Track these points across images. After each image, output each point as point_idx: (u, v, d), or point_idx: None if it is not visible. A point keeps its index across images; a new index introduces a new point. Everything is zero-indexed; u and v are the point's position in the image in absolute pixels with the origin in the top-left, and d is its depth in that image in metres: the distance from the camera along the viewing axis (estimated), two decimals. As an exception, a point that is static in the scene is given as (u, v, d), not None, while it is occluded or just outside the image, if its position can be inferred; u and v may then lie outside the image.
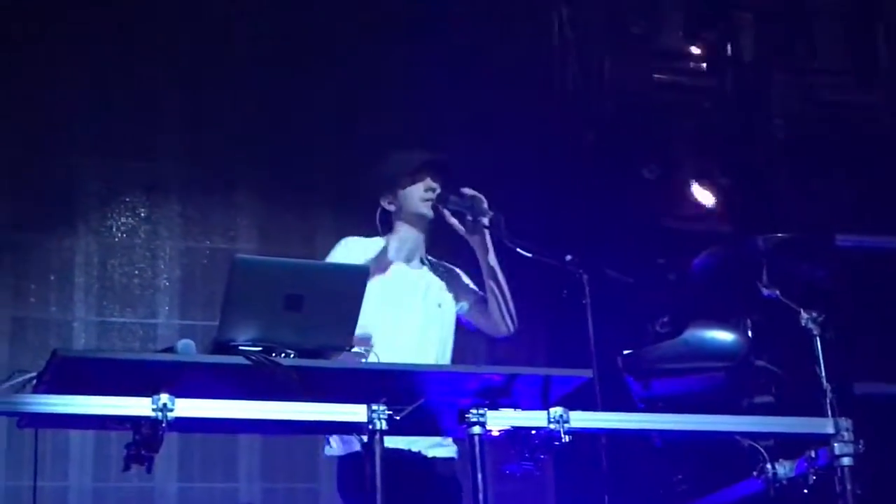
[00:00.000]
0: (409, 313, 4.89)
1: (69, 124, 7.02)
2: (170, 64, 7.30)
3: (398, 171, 4.99)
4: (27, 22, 7.00)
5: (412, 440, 4.64)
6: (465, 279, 5.11)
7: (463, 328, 5.06)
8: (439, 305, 4.98)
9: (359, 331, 4.40)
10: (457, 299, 5.04)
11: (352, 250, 4.87)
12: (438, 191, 4.94)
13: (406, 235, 5.00)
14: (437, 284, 5.02)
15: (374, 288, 4.70)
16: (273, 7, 7.48)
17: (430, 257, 5.08)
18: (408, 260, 5.00)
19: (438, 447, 4.78)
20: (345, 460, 4.70)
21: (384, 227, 5.03)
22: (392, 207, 5.01)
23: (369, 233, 5.00)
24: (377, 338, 4.67)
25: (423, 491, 4.68)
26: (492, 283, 4.93)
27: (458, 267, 5.15)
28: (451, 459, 4.84)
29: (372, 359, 4.25)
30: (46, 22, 7.05)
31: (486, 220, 4.86)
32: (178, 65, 7.32)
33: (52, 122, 6.97)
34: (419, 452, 4.71)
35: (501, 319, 4.95)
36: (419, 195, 4.96)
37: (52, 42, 7.05)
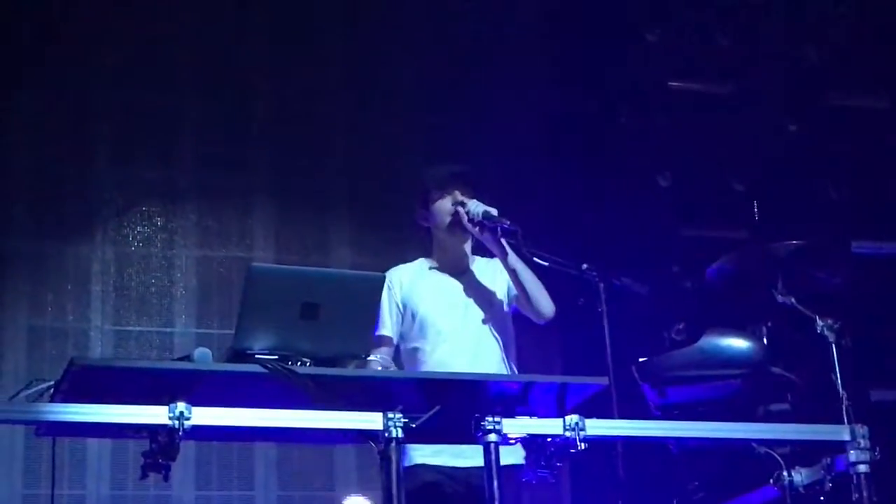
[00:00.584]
0: (458, 323, 4.95)
1: (86, 133, 7.04)
2: (188, 73, 7.33)
3: (428, 186, 5.07)
4: (42, 30, 7.04)
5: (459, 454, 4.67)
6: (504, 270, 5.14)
7: (519, 315, 5.12)
8: (491, 304, 5.02)
9: (412, 343, 4.51)
10: (507, 292, 5.09)
11: (400, 278, 5.02)
12: (467, 202, 5.00)
13: (445, 247, 5.08)
14: (483, 287, 5.07)
15: (424, 301, 4.79)
16: (290, 15, 7.50)
17: (477, 257, 5.14)
18: (452, 270, 5.07)
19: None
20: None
21: (430, 243, 5.13)
22: (426, 223, 5.09)
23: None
24: (429, 350, 4.74)
25: None
26: (517, 281, 4.97)
27: None
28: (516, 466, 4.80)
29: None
30: (62, 30, 7.08)
31: (501, 230, 4.89)
32: (197, 74, 7.34)
33: (69, 131, 6.99)
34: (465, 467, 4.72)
35: (533, 310, 5.00)
36: (447, 209, 5.02)
37: (69, 51, 7.08)
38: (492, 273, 5.12)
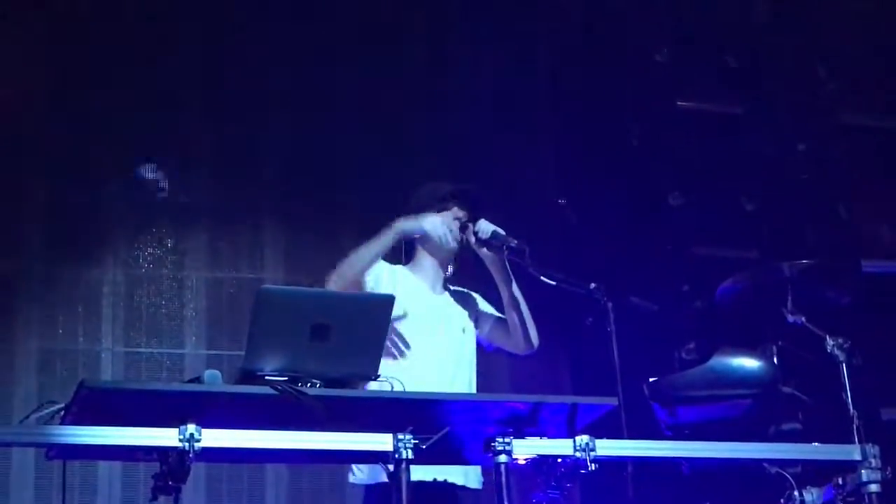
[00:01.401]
0: (437, 340, 4.92)
1: (96, 156, 7.06)
2: (198, 97, 7.35)
3: (426, 201, 5.04)
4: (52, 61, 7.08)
5: (441, 471, 4.65)
6: (483, 302, 5.15)
7: (482, 348, 5.09)
8: (463, 331, 5.01)
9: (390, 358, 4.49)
10: (476, 323, 5.08)
11: (381, 275, 4.94)
12: (464, 220, 4.99)
13: (430, 263, 5.04)
14: (459, 310, 5.05)
15: (402, 316, 4.77)
16: (307, 33, 7.52)
17: (449, 285, 5.11)
18: (430, 286, 5.04)
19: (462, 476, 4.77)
20: (373, 489, 4.70)
21: (408, 255, 5.08)
22: (416, 235, 5.05)
23: (391, 261, 5.04)
24: (406, 366, 4.72)
25: None
26: (513, 313, 4.96)
27: (474, 291, 5.18)
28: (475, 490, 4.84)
29: (398, 388, 4.25)
30: (69, 56, 7.12)
31: (509, 249, 4.89)
32: (207, 97, 7.36)
33: (79, 155, 7.01)
34: (446, 481, 4.71)
35: (522, 342, 5.00)
36: (446, 223, 5.00)
37: (77, 74, 7.11)
38: (465, 300, 5.11)
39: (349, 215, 7.45)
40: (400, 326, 4.87)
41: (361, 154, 7.53)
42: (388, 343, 4.79)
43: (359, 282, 4.88)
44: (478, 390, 4.96)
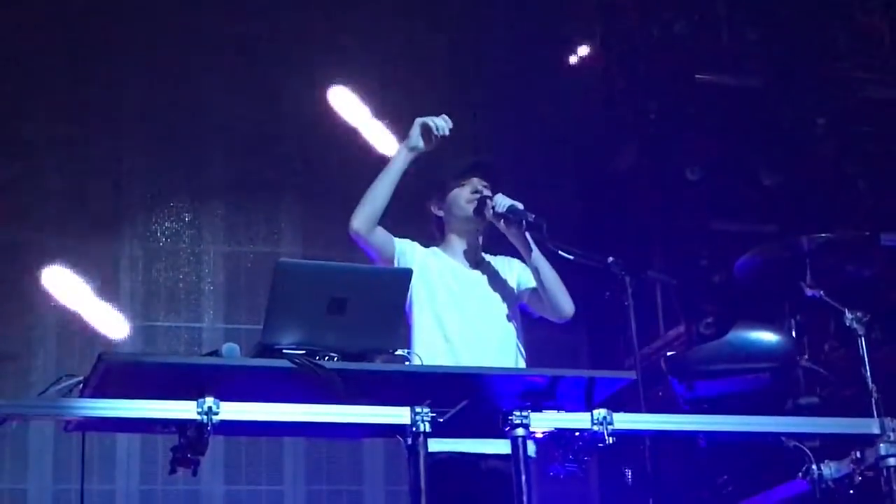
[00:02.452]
0: (475, 316, 4.90)
1: (114, 130, 7.07)
2: (214, 72, 7.35)
3: (446, 175, 5.03)
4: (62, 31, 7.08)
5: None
6: (522, 269, 5.10)
7: (528, 315, 5.06)
8: (503, 300, 4.99)
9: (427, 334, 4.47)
10: (518, 291, 5.05)
11: (415, 247, 4.92)
12: (485, 192, 4.97)
13: (459, 238, 5.03)
14: (497, 282, 5.03)
15: (439, 293, 4.77)
16: (315, 13, 7.51)
17: (485, 254, 5.09)
18: (465, 262, 5.02)
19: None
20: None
21: (440, 234, 5.07)
22: (441, 213, 5.04)
23: (419, 240, 5.02)
24: (443, 342, 4.72)
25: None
26: (540, 282, 4.94)
27: (515, 258, 5.15)
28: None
29: (416, 362, 4.24)
30: (84, 32, 7.13)
31: (527, 224, 4.87)
32: (223, 73, 7.36)
33: (98, 128, 7.02)
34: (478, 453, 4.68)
35: (553, 309, 4.96)
36: (465, 196, 4.99)
37: (100, 50, 7.12)
38: (504, 269, 5.08)
39: (366, 189, 7.45)
40: (438, 305, 4.86)
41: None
42: (428, 322, 4.82)
43: (378, 217, 4.82)
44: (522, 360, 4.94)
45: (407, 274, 4.16)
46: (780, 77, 7.66)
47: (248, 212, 7.31)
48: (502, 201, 4.93)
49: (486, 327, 4.92)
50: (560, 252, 4.84)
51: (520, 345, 4.96)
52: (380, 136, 6.96)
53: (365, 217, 4.81)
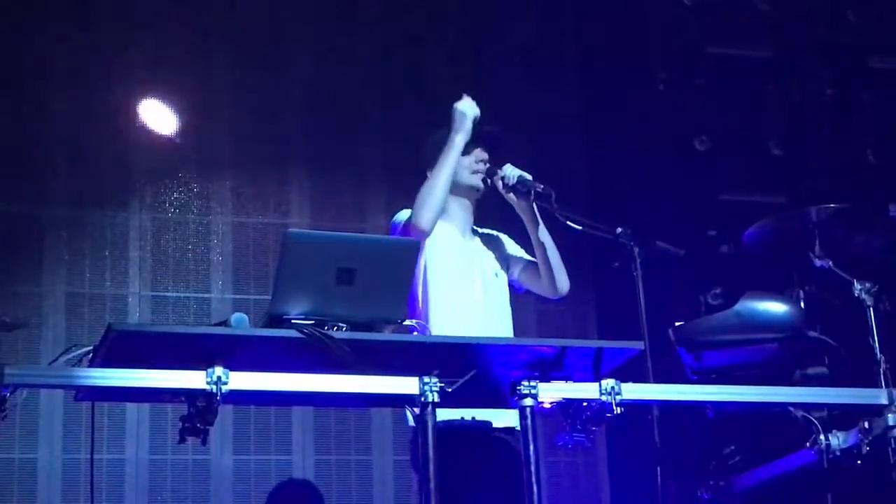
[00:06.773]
0: (470, 284, 4.90)
1: (122, 101, 7.06)
2: (222, 41, 7.34)
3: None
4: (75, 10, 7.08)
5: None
6: (513, 245, 5.11)
7: (513, 290, 5.06)
8: (496, 275, 4.99)
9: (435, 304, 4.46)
10: (507, 266, 5.05)
11: None
12: (489, 163, 4.96)
13: (457, 207, 5.01)
14: (490, 254, 5.03)
15: (435, 261, 4.76)
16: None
17: (476, 227, 5.09)
18: (461, 231, 5.01)
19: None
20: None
21: None
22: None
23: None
24: (441, 311, 4.71)
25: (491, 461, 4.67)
26: (542, 257, 4.94)
27: (503, 233, 5.15)
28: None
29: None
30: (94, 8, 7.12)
31: (535, 194, 4.86)
32: (230, 42, 7.35)
33: (106, 99, 7.01)
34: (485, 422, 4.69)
35: (552, 286, 4.96)
36: (470, 166, 4.97)
37: (107, 24, 7.11)
38: (495, 242, 5.08)
39: (374, 160, 7.45)
40: (434, 273, 4.85)
41: (386, 98, 7.52)
42: (436, 292, 4.81)
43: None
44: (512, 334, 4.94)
45: (415, 245, 4.16)
46: (790, 48, 7.64)
47: (257, 182, 7.30)
48: (511, 172, 4.92)
49: (490, 297, 4.93)
50: (568, 222, 4.83)
51: (510, 319, 4.98)
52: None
53: (433, 217, 4.77)
